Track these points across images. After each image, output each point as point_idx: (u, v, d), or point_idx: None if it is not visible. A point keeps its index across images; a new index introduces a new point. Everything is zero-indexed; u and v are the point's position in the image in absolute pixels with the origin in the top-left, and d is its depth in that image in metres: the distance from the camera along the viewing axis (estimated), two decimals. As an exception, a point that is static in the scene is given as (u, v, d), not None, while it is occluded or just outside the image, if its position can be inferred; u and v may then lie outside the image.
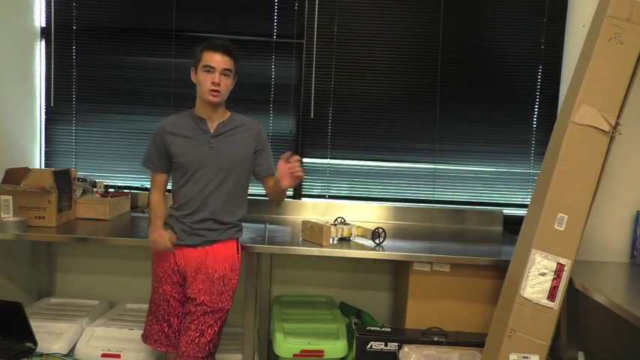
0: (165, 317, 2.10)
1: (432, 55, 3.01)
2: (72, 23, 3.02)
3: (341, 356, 2.34)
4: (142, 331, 2.20)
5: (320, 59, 3.02)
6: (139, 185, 3.06)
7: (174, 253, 2.07)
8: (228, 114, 2.11)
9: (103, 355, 2.26)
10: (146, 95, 3.04)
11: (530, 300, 1.91)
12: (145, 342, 2.16)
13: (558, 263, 1.90)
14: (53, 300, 2.79)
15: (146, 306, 2.70)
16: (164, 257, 2.09)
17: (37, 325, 2.28)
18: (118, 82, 3.04)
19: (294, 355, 2.29)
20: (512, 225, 2.88)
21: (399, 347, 2.23)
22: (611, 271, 2.25)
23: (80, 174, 2.90)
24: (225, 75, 2.01)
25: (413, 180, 3.08)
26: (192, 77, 2.06)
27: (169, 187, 2.17)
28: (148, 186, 2.99)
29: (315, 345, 2.31)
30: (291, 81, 3.04)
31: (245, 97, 2.98)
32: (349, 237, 2.42)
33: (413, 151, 3.05)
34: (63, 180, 2.52)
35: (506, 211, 3.03)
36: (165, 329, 2.11)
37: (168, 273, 2.09)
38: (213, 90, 1.98)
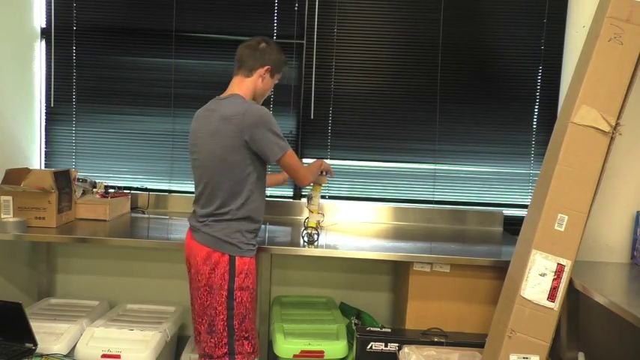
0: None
1: (432, 55, 3.01)
2: (72, 24, 3.02)
3: (341, 357, 2.34)
4: (250, 349, 2.05)
5: (320, 59, 3.02)
6: (138, 186, 3.05)
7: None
8: None
9: (103, 356, 2.26)
10: (146, 96, 3.04)
11: (530, 300, 1.91)
12: (258, 354, 2.10)
13: (558, 264, 1.90)
14: (53, 300, 2.79)
15: (145, 307, 2.74)
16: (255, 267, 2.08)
17: (37, 326, 2.28)
18: (118, 83, 3.04)
19: (294, 356, 2.29)
20: (513, 225, 2.88)
21: (399, 348, 2.23)
22: (611, 271, 2.25)
23: (80, 174, 2.90)
24: None
25: (413, 180, 3.08)
26: (262, 73, 2.06)
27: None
28: (148, 186, 3.04)
29: (315, 345, 2.31)
30: (291, 81, 3.04)
31: (245, 97, 2.97)
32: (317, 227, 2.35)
33: (413, 151, 3.06)
34: (63, 180, 2.52)
35: (507, 211, 3.03)
36: None
37: None
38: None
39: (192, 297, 2.10)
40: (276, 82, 2.15)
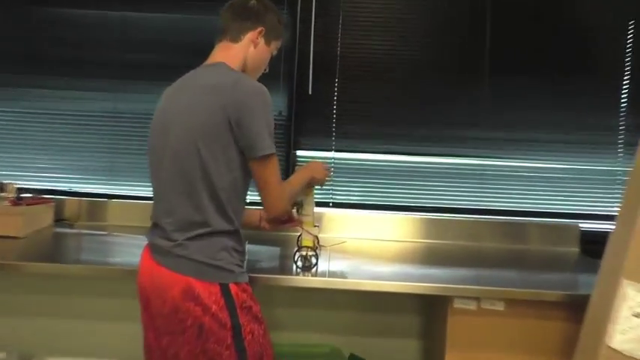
0: None
1: (477, 9, 3.03)
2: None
3: None
4: None
5: (322, 13, 3.03)
6: (65, 189, 3.06)
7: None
8: None
9: None
10: (79, 63, 3.06)
11: (620, 352, 1.88)
12: None
13: (661, 299, 1.87)
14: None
15: None
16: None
17: None
18: (38, 44, 3.05)
19: None
20: (593, 244, 2.82)
21: (433, 418, 2.20)
22: None
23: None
24: None
25: (451, 181, 3.09)
26: (254, 37, 2.12)
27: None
28: (79, 190, 3.04)
29: (314, 414, 2.29)
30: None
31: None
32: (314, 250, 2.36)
33: (451, 141, 3.08)
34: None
35: (584, 224, 3.03)
36: None
37: None
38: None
39: (154, 347, 2.08)
40: (274, 52, 2.22)
